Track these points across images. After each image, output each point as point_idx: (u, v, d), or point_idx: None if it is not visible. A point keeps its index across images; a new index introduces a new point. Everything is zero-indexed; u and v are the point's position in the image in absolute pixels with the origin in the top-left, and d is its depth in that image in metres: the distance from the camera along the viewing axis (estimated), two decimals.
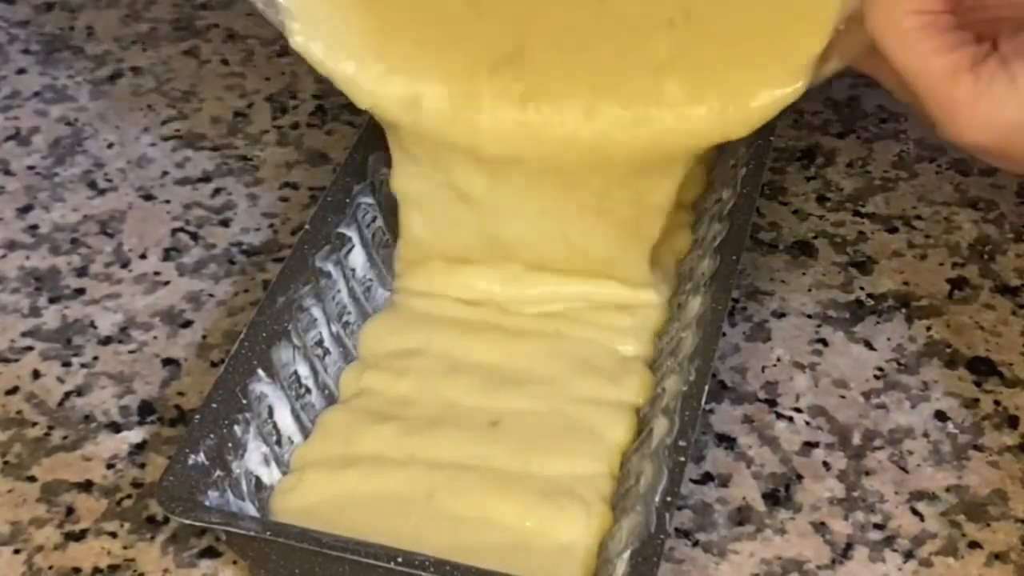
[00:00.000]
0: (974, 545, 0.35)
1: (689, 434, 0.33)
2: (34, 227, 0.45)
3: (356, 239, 0.40)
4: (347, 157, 0.41)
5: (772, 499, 0.36)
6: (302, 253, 0.38)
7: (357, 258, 0.40)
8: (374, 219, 0.41)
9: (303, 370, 0.37)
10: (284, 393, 0.36)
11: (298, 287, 0.37)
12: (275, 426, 0.35)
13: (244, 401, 0.34)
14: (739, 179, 0.41)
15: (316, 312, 0.38)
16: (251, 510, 0.34)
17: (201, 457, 0.33)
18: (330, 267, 0.39)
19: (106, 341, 0.41)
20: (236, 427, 0.34)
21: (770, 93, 0.34)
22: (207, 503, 0.32)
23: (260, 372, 0.35)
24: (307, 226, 0.39)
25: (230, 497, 0.33)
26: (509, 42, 0.35)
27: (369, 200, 0.41)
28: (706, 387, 0.34)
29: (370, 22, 0.36)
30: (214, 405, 0.34)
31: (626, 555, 0.31)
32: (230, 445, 0.34)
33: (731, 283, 0.37)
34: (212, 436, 0.33)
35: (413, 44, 0.36)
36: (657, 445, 0.33)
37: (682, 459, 0.32)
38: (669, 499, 0.31)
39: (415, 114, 0.36)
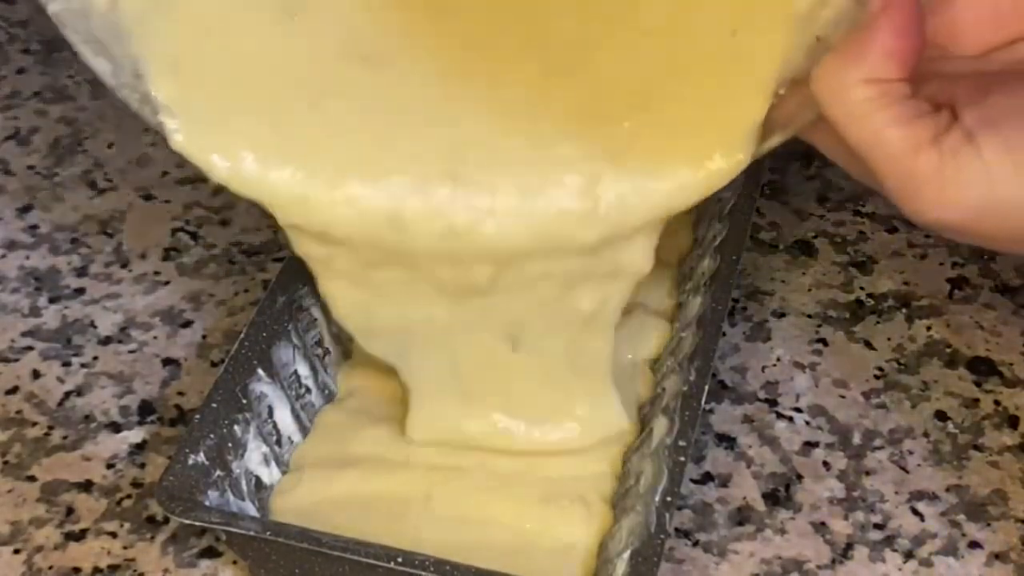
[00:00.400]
0: (974, 545, 0.35)
1: (689, 434, 0.33)
2: (34, 227, 0.45)
3: None
4: None
5: (772, 499, 0.36)
6: None
7: None
8: None
9: (303, 370, 0.37)
10: (284, 393, 0.36)
11: (298, 287, 0.37)
12: (275, 426, 0.35)
13: (244, 401, 0.34)
14: (739, 179, 0.41)
15: (316, 312, 0.38)
16: (251, 510, 0.34)
17: (201, 457, 0.33)
18: None
19: (106, 341, 0.41)
20: (236, 427, 0.34)
21: (705, 168, 0.29)
22: (207, 503, 0.32)
23: (260, 372, 0.35)
24: None
25: (230, 497, 0.33)
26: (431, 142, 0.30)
27: None
28: (706, 387, 0.34)
29: (268, 117, 0.30)
30: (214, 405, 0.34)
31: (626, 555, 0.31)
32: (230, 445, 0.34)
33: (731, 283, 0.37)
34: (212, 436, 0.33)
35: (330, 143, 0.30)
36: (657, 445, 0.33)
37: (682, 459, 0.32)
38: (669, 499, 0.31)
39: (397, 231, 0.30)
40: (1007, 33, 0.28)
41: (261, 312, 0.36)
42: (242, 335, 0.35)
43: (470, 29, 0.30)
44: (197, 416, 0.33)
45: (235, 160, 0.30)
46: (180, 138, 0.30)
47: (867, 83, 0.26)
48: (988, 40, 0.28)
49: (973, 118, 0.25)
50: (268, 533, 0.31)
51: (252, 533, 0.31)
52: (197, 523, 0.31)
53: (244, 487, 0.34)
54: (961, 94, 0.26)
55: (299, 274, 0.38)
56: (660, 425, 0.34)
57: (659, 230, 0.31)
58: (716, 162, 0.29)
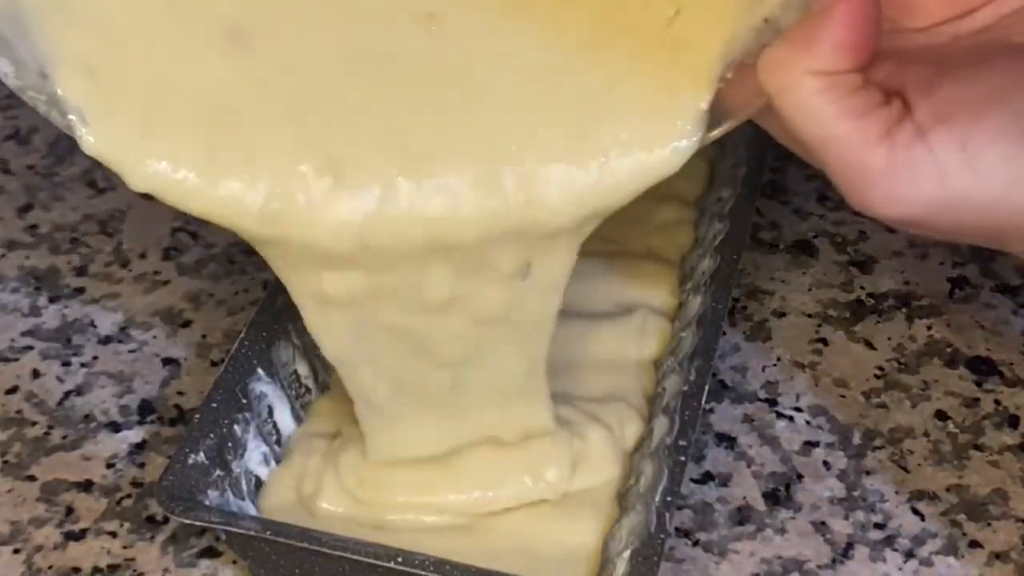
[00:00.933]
0: (975, 544, 0.35)
1: (689, 434, 0.33)
2: (34, 226, 0.45)
3: None
4: None
5: (772, 498, 0.36)
6: None
7: None
8: None
9: (303, 369, 0.37)
10: (284, 392, 0.36)
11: None
12: (275, 425, 0.35)
13: (244, 400, 0.34)
14: (739, 178, 0.41)
15: None
16: (251, 509, 0.34)
17: (201, 456, 0.33)
18: None
19: (106, 340, 0.41)
20: (236, 426, 0.34)
21: (650, 157, 0.28)
22: (207, 502, 0.32)
23: (260, 371, 0.35)
24: None
25: (230, 496, 0.33)
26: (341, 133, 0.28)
27: None
28: (706, 386, 0.34)
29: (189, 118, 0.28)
30: (214, 404, 0.34)
31: (626, 554, 0.31)
32: (230, 444, 0.34)
33: (731, 282, 0.37)
34: (212, 435, 0.33)
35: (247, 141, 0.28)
36: (657, 444, 0.33)
37: (682, 458, 0.32)
38: (669, 499, 0.31)
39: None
40: (957, 7, 0.27)
41: (261, 312, 0.36)
42: (242, 335, 0.35)
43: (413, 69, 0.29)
44: (197, 416, 0.34)
45: (155, 168, 0.28)
46: (92, 140, 0.28)
47: (816, 75, 0.25)
48: (938, 13, 0.27)
49: (924, 112, 0.25)
50: (268, 532, 0.31)
51: (252, 533, 0.31)
52: (197, 523, 0.31)
53: (244, 487, 0.34)
54: (912, 81, 0.25)
55: None
56: (660, 425, 0.34)
57: (593, 227, 0.30)
58: (661, 151, 0.28)
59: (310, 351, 0.37)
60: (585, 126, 0.28)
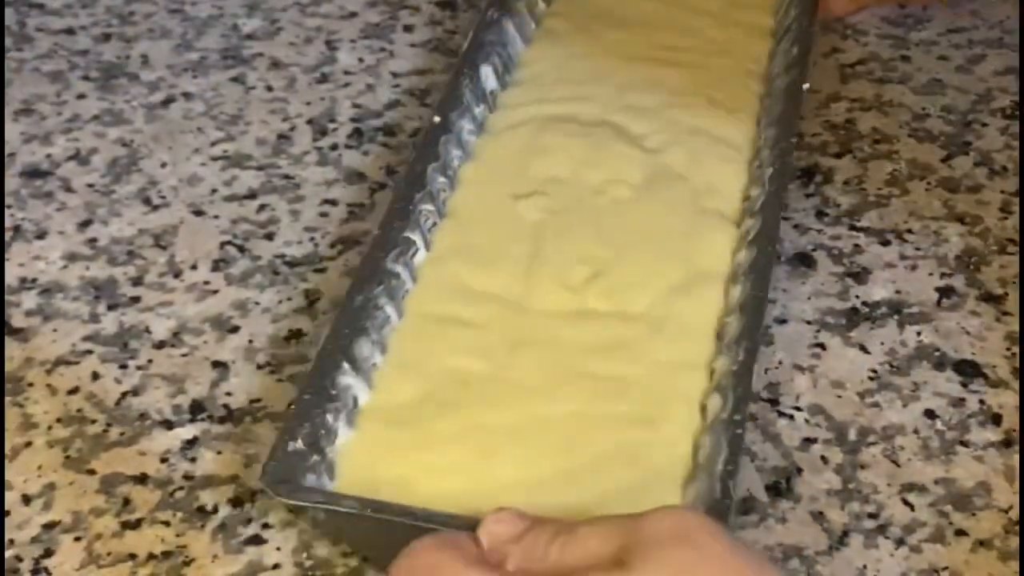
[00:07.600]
0: (960, 533, 0.36)
1: (744, 408, 0.34)
2: (93, 240, 0.47)
3: (420, 242, 0.42)
4: (407, 169, 0.43)
5: (774, 490, 0.37)
6: (375, 257, 0.40)
7: (421, 259, 0.42)
8: (433, 224, 0.43)
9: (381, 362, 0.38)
10: (367, 384, 0.37)
11: (372, 288, 0.39)
12: None
13: (333, 392, 0.36)
14: (761, 204, 0.43)
15: (389, 310, 0.39)
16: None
17: (299, 443, 0.34)
18: (399, 268, 0.40)
19: (160, 345, 0.42)
20: (328, 415, 0.35)
21: None
22: (306, 485, 0.33)
23: (345, 365, 0.37)
24: (378, 232, 0.41)
25: (325, 480, 0.34)
26: None
27: (429, 207, 0.43)
28: (755, 365, 0.35)
29: None
30: (307, 397, 0.35)
31: None
32: (323, 432, 0.35)
33: (768, 273, 0.39)
34: (307, 424, 0.35)
35: None
36: (712, 420, 0.35)
37: (739, 431, 0.33)
38: (731, 468, 0.32)
39: None
40: None
41: (343, 312, 0.38)
42: (327, 334, 0.37)
43: None
44: (294, 407, 0.35)
45: None
46: None
47: None
48: None
49: None
50: (368, 510, 0.32)
51: (354, 511, 0.32)
52: (302, 504, 0.32)
53: (337, 470, 0.35)
54: None
55: (373, 276, 0.39)
56: (714, 402, 0.36)
57: None
58: None
59: (387, 345, 0.39)
60: None
